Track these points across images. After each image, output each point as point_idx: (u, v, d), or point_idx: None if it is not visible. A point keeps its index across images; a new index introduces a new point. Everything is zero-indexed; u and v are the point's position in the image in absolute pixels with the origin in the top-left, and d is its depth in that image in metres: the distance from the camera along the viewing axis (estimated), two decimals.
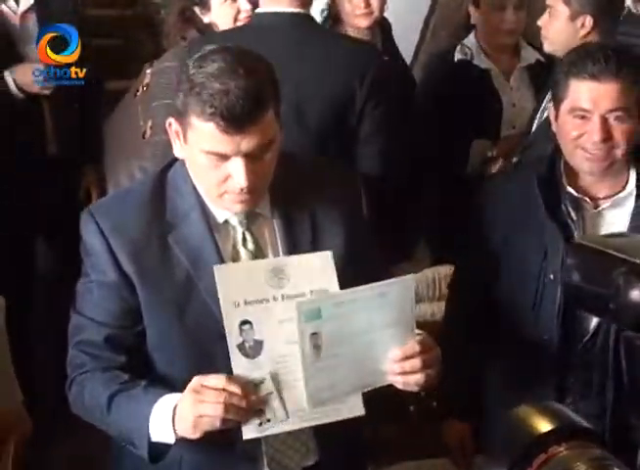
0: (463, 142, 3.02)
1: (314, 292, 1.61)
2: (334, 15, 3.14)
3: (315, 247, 1.69)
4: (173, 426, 1.57)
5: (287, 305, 1.58)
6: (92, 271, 1.71)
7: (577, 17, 2.65)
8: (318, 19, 3.19)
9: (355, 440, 1.83)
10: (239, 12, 2.76)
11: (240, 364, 1.56)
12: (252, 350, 1.57)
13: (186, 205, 1.70)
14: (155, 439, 1.60)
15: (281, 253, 1.72)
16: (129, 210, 1.71)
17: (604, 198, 2.02)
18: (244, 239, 1.71)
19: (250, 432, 1.56)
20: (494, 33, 3.13)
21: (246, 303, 1.57)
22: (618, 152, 1.97)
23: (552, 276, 1.99)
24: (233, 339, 1.56)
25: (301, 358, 1.54)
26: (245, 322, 1.57)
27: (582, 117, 1.96)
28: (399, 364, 1.61)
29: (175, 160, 1.74)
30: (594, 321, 2.01)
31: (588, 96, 1.94)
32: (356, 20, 3.06)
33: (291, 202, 1.73)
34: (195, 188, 1.71)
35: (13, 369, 2.14)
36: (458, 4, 3.57)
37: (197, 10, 2.80)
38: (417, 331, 1.64)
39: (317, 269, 1.62)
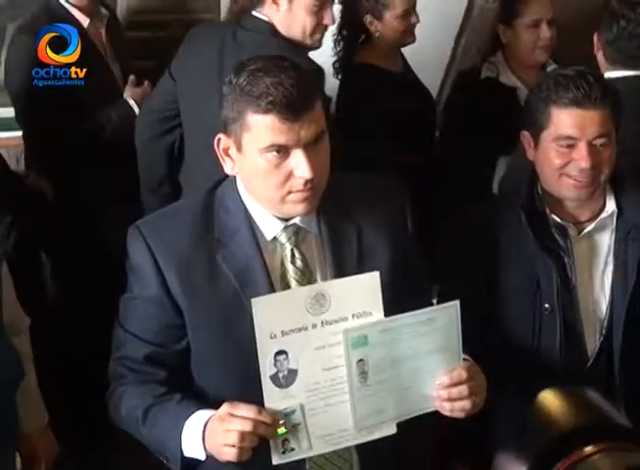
0: (489, 159, 3.01)
1: (356, 315, 1.61)
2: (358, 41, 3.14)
3: (361, 263, 1.73)
4: (204, 444, 1.62)
5: (325, 331, 1.59)
6: (136, 287, 1.76)
7: None
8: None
9: (398, 454, 1.83)
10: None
11: (272, 395, 1.58)
12: (286, 379, 1.59)
13: (234, 223, 1.73)
14: (187, 454, 1.65)
15: (328, 269, 1.74)
16: (177, 227, 1.74)
17: (586, 221, 2.05)
18: (292, 256, 1.73)
19: (273, 459, 1.60)
20: (530, 51, 3.19)
21: (283, 333, 1.57)
22: (603, 177, 2.00)
23: (548, 305, 2.01)
24: (267, 370, 1.57)
25: (348, 385, 1.58)
26: (280, 352, 1.58)
27: (568, 146, 1.96)
28: (446, 391, 1.65)
29: (222, 179, 1.78)
30: (595, 345, 2.04)
31: (574, 123, 1.95)
32: (409, 36, 3.11)
33: (338, 218, 1.77)
34: (244, 206, 1.74)
35: (38, 392, 2.13)
36: (488, 23, 3.54)
37: None
38: (463, 356, 1.67)
39: (362, 291, 1.61)
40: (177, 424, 1.64)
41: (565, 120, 1.95)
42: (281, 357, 1.57)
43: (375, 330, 1.58)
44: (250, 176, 1.69)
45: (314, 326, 1.58)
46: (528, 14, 3.14)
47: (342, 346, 1.56)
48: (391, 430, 1.65)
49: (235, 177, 1.76)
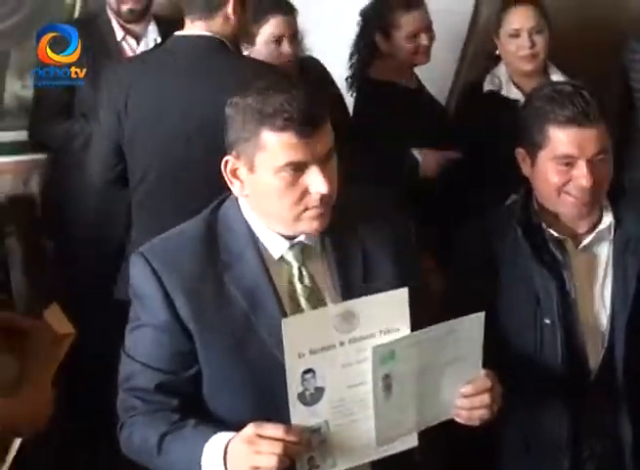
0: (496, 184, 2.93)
1: (383, 331, 1.63)
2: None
3: (367, 279, 1.76)
4: (225, 467, 1.60)
5: (352, 348, 1.62)
6: (143, 314, 1.75)
7: None
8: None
9: (412, 467, 1.85)
10: (281, 54, 2.87)
11: (299, 413, 1.60)
12: (312, 397, 1.61)
13: (240, 243, 1.75)
14: None
15: (335, 286, 1.76)
16: (182, 250, 1.75)
17: (584, 233, 2.08)
18: (300, 274, 1.76)
19: None
20: (512, 60, 3.22)
21: (311, 352, 1.59)
22: (603, 192, 2.04)
23: (548, 321, 2.03)
24: (294, 389, 1.59)
25: (373, 400, 1.60)
26: (308, 371, 1.59)
27: (567, 164, 1.97)
28: (469, 399, 1.69)
29: (224, 200, 1.80)
30: (598, 358, 2.05)
31: (573, 142, 1.96)
32: (420, 57, 3.14)
33: (341, 234, 1.79)
34: (248, 226, 1.76)
35: None
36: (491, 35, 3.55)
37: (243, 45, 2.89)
38: None
39: (390, 308, 1.64)
40: (195, 449, 1.63)
41: (563, 139, 1.97)
42: (308, 376, 1.58)
43: (402, 345, 1.60)
44: (263, 196, 1.70)
45: (342, 344, 1.61)
46: (509, 23, 3.18)
47: (371, 362, 1.58)
48: (413, 442, 1.68)
49: (236, 197, 1.77)
